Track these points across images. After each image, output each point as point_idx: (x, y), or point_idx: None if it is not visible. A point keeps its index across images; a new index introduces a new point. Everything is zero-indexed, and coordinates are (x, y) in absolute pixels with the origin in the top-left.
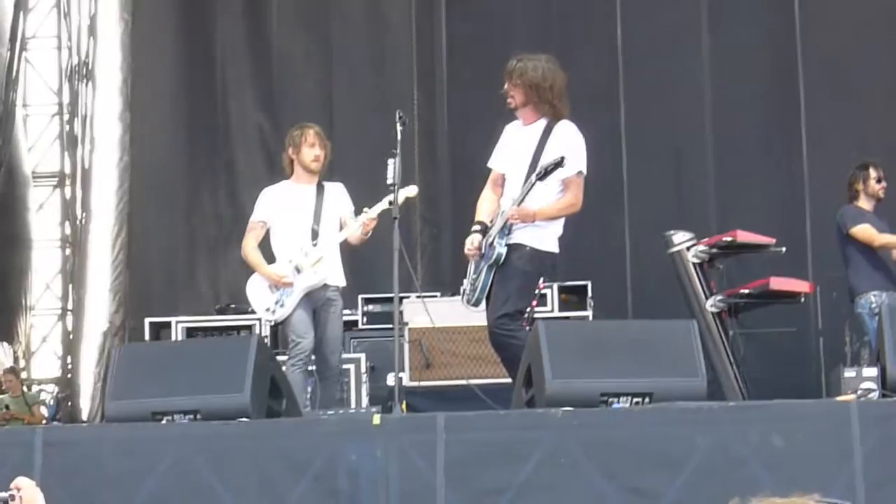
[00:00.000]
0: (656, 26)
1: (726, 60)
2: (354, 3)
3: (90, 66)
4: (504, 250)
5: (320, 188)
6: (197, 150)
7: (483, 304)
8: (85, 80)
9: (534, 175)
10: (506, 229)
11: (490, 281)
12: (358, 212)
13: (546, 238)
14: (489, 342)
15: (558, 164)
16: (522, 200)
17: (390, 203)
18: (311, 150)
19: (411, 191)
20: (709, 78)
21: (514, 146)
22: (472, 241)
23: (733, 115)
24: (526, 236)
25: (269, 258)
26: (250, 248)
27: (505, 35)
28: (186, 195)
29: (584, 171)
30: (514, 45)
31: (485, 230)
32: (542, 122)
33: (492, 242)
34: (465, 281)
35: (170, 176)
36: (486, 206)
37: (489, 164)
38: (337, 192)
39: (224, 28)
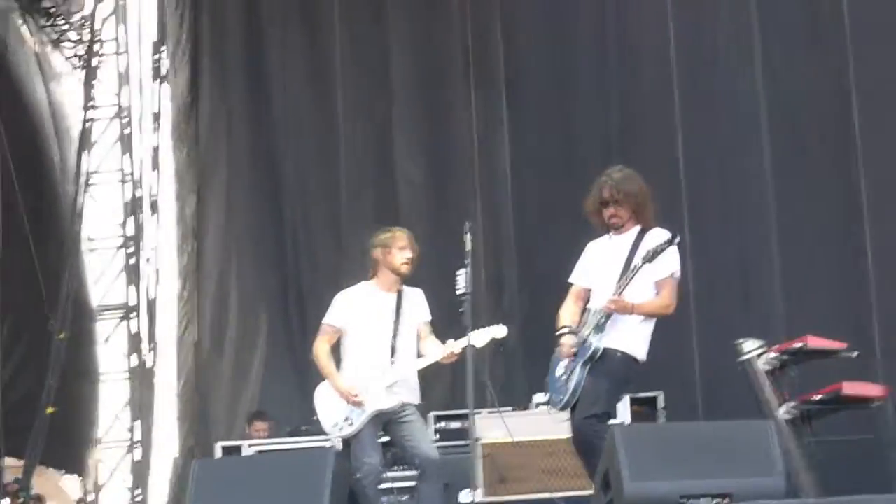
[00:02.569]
0: (716, 137)
1: (789, 169)
2: (419, 128)
3: (153, 199)
4: (601, 345)
5: (400, 295)
6: (266, 274)
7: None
8: (150, 212)
9: (641, 259)
10: (600, 327)
11: (584, 379)
12: (442, 337)
13: (638, 344)
14: (569, 448)
15: (670, 241)
16: (626, 288)
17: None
18: (401, 252)
19: (500, 331)
20: (771, 179)
21: (602, 257)
22: (567, 341)
23: (797, 221)
24: (619, 340)
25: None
26: (323, 352)
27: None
28: (252, 322)
29: (678, 276)
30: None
31: (573, 332)
32: (635, 230)
33: (586, 340)
34: (552, 387)
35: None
36: (568, 316)
37: (571, 280)
38: (416, 302)
39: (290, 162)
